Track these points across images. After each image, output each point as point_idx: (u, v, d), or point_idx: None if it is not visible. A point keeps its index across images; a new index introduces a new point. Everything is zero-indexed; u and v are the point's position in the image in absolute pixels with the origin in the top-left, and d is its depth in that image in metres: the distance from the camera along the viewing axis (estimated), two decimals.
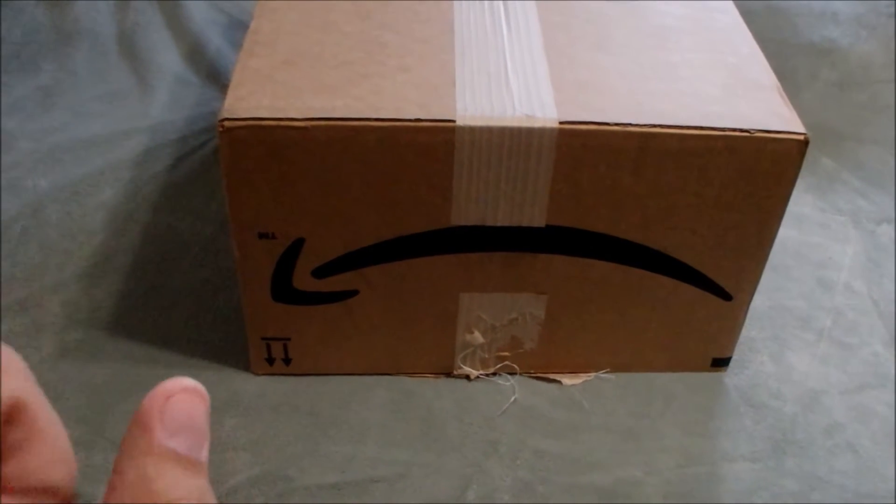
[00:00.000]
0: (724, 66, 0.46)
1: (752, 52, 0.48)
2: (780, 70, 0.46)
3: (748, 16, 0.51)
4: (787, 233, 0.61)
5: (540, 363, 0.51)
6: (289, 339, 0.49)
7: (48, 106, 0.69)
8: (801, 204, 0.65)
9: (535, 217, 0.44)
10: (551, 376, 0.51)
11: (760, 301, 0.56)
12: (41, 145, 0.66)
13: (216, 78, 0.73)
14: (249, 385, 0.50)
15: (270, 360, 0.50)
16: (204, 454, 0.19)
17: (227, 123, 0.40)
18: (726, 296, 0.48)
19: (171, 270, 0.57)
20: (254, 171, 0.42)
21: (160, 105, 0.70)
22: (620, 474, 0.46)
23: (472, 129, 0.41)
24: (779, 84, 0.46)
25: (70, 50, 0.73)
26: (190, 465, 0.19)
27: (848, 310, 0.57)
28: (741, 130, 0.42)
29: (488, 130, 0.41)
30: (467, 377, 0.51)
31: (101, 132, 0.67)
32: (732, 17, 0.51)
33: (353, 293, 0.47)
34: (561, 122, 0.41)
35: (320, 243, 0.44)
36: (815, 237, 0.62)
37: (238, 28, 0.77)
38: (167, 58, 0.74)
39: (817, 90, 0.73)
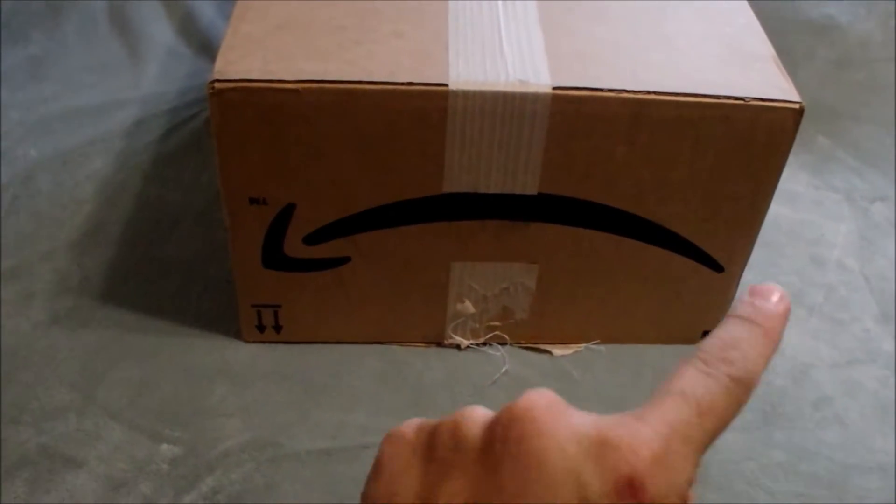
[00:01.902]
0: (720, 37, 0.46)
1: (749, 23, 0.48)
2: (778, 47, 0.46)
3: None
4: (780, 210, 0.61)
5: (530, 333, 0.51)
6: (279, 307, 0.49)
7: (39, 76, 0.69)
8: (796, 182, 0.65)
9: (528, 185, 0.44)
10: (542, 347, 0.51)
11: (753, 277, 0.56)
12: (32, 115, 0.65)
13: (208, 50, 0.72)
14: (240, 353, 0.50)
15: (261, 328, 0.50)
16: None
17: (217, 85, 0.40)
18: (718, 267, 0.48)
19: (162, 240, 0.57)
20: (245, 134, 0.41)
21: (151, 76, 0.70)
22: None
23: (464, 94, 0.40)
24: (775, 55, 0.45)
25: (60, 20, 0.73)
26: None
27: (840, 286, 0.57)
28: (736, 98, 0.42)
29: (481, 95, 0.40)
30: (458, 347, 0.51)
31: (92, 103, 0.67)
32: None
33: (345, 260, 0.46)
34: (554, 88, 0.41)
35: (311, 209, 0.44)
36: (808, 214, 0.62)
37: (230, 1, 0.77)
38: (159, 29, 0.73)
39: (815, 68, 0.73)
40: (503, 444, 0.21)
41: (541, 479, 0.20)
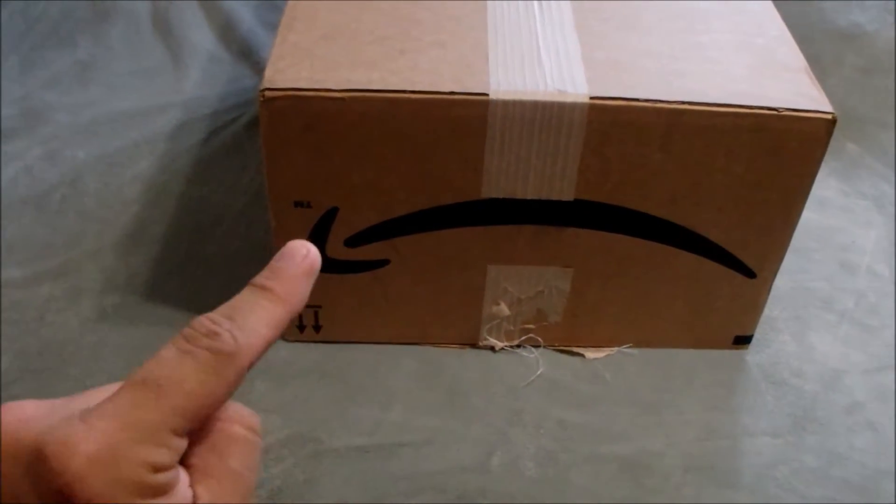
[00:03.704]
0: (753, 48, 0.47)
1: (781, 34, 0.49)
2: (806, 55, 0.47)
3: (774, 1, 0.52)
4: (810, 216, 0.62)
5: (564, 336, 0.52)
6: (320, 307, 0.50)
7: (85, 80, 0.71)
8: (826, 188, 0.65)
9: (564, 191, 0.45)
10: (575, 350, 0.52)
11: (783, 282, 0.56)
12: (79, 118, 0.67)
13: (248, 56, 0.74)
14: (281, 351, 0.51)
15: (301, 328, 0.51)
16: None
17: (267, 94, 0.41)
18: (750, 273, 0.49)
19: (204, 240, 0.58)
20: (292, 140, 0.43)
21: (193, 81, 0.72)
22: (642, 445, 0.47)
23: (504, 103, 0.42)
24: (807, 65, 0.46)
25: (106, 27, 0.75)
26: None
27: (870, 292, 0.57)
28: (769, 109, 0.42)
29: (520, 104, 0.42)
30: (492, 348, 0.52)
31: (136, 106, 0.69)
32: (762, 1, 0.52)
33: (384, 263, 0.48)
34: (591, 98, 0.42)
35: (354, 213, 0.46)
36: (838, 220, 0.63)
37: (269, 8, 0.78)
38: (200, 36, 0.75)
39: (843, 75, 0.73)
40: None
41: None
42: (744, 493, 0.45)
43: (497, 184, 0.44)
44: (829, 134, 0.43)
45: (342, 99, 0.41)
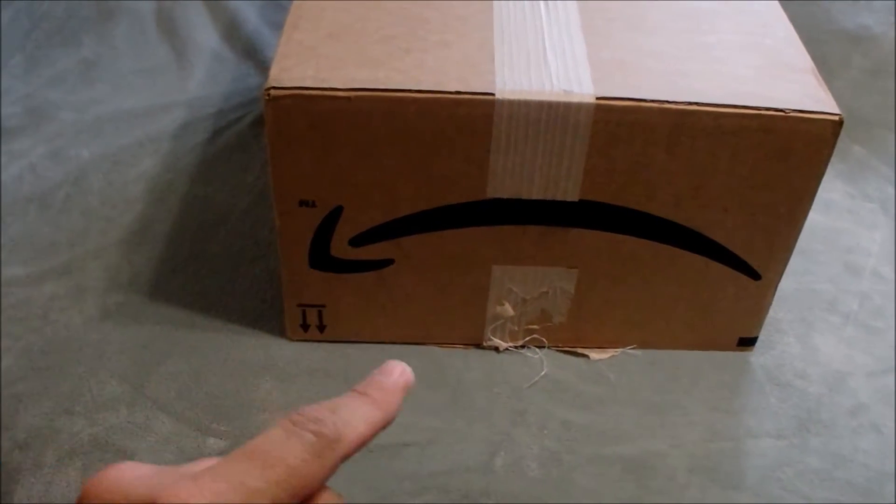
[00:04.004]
0: (759, 48, 0.47)
1: (787, 35, 0.48)
2: (813, 56, 0.47)
3: (781, 2, 0.52)
4: (816, 218, 0.62)
5: (568, 337, 0.52)
6: (324, 307, 0.50)
7: (90, 79, 0.71)
8: (831, 190, 0.65)
9: (570, 191, 0.45)
10: (579, 350, 0.52)
11: (788, 284, 0.56)
12: (83, 116, 0.67)
13: (253, 55, 0.74)
14: (285, 350, 0.51)
15: (305, 327, 0.51)
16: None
17: (272, 92, 0.41)
18: (755, 275, 0.49)
19: (209, 239, 0.58)
20: (297, 139, 0.43)
21: (198, 80, 0.72)
22: (646, 446, 0.47)
23: (510, 103, 0.42)
24: (814, 66, 0.46)
25: (111, 26, 0.75)
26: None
27: (875, 294, 0.57)
28: (776, 110, 0.42)
29: (526, 104, 0.42)
30: (496, 349, 0.52)
31: (141, 105, 0.69)
32: (769, 1, 0.52)
33: (388, 262, 0.48)
34: (597, 98, 0.42)
35: (358, 212, 0.46)
36: (843, 223, 0.63)
37: (274, 7, 0.78)
38: (204, 35, 0.75)
39: (850, 77, 0.73)
40: None
41: None
42: (748, 495, 0.45)
43: (502, 184, 0.44)
44: (836, 135, 0.43)
45: (347, 98, 0.41)
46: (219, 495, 0.21)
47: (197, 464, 0.24)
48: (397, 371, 0.28)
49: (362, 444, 0.25)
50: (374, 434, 0.26)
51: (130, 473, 0.23)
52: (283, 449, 0.23)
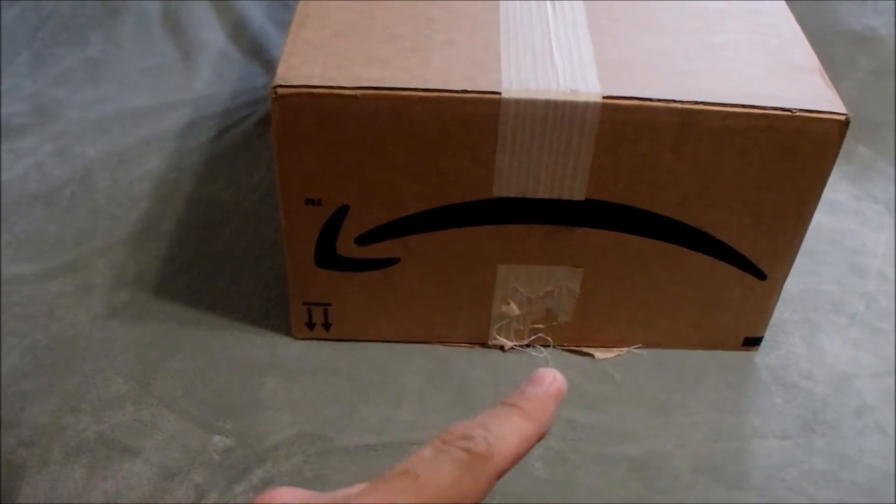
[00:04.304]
0: (767, 49, 0.47)
1: (795, 36, 0.48)
2: (820, 57, 0.47)
3: (789, 3, 0.51)
4: (821, 219, 0.62)
5: (573, 336, 0.52)
6: (329, 305, 0.50)
7: (96, 78, 0.71)
8: (837, 191, 0.65)
9: (576, 190, 0.45)
10: (584, 349, 0.52)
11: (794, 284, 0.56)
12: (89, 115, 0.68)
13: (259, 54, 0.74)
14: (290, 349, 0.51)
15: (311, 325, 0.51)
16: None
17: (279, 90, 0.41)
18: (761, 275, 0.49)
19: (214, 237, 0.58)
20: (303, 137, 0.43)
21: (204, 79, 0.72)
22: (651, 446, 0.47)
23: (516, 102, 0.42)
24: (821, 67, 0.46)
25: (117, 24, 0.75)
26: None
27: (880, 295, 0.57)
28: (783, 110, 0.42)
29: (532, 103, 0.42)
30: (501, 348, 0.52)
31: (147, 104, 0.69)
32: (776, 1, 0.51)
33: (394, 261, 0.48)
34: (604, 97, 0.42)
35: (364, 211, 0.46)
36: (849, 224, 0.63)
37: (280, 6, 0.78)
38: (211, 34, 0.76)
39: (856, 78, 0.73)
40: None
41: None
42: (752, 495, 0.45)
43: (508, 183, 0.44)
44: (842, 135, 0.43)
45: (354, 96, 0.41)
46: None
47: (349, 489, 0.24)
48: (548, 379, 0.26)
49: (516, 459, 0.24)
50: (528, 448, 0.25)
51: (288, 496, 0.24)
52: (434, 468, 0.22)
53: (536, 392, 0.26)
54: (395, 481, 0.22)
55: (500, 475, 0.24)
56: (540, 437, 0.25)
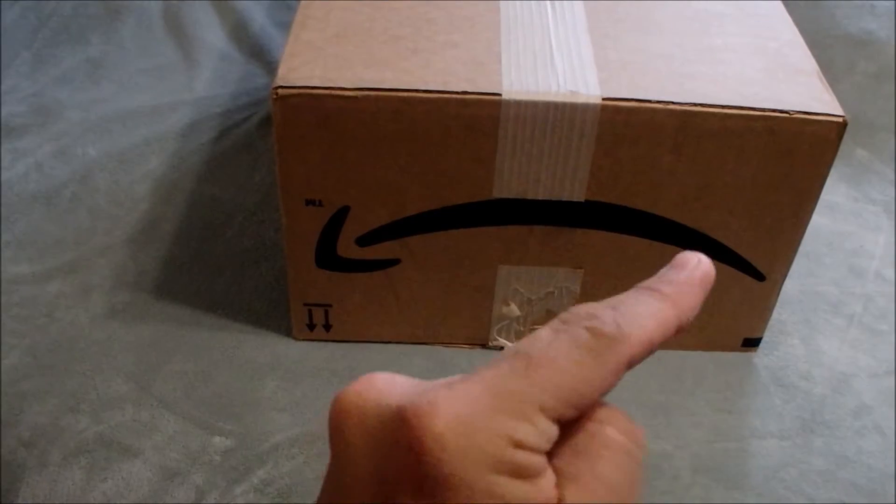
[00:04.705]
0: (765, 51, 0.47)
1: (793, 39, 0.49)
2: (818, 61, 0.47)
3: (787, 6, 0.52)
4: (820, 220, 0.62)
5: None
6: (330, 306, 0.50)
7: (96, 78, 0.71)
8: (835, 193, 0.65)
9: (576, 192, 0.45)
10: None
11: (792, 286, 0.56)
12: (90, 115, 0.68)
13: (260, 55, 0.74)
14: (291, 350, 0.51)
15: (311, 326, 0.51)
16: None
17: (280, 91, 0.41)
18: (759, 276, 0.49)
19: (215, 238, 0.58)
20: (304, 138, 0.43)
21: (205, 80, 0.72)
22: (651, 447, 0.47)
23: (517, 104, 0.42)
24: (818, 69, 0.46)
25: (117, 24, 0.75)
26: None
27: (878, 297, 0.57)
28: (781, 112, 0.43)
29: (533, 105, 0.42)
30: (502, 349, 0.52)
31: (148, 104, 0.69)
32: (774, 5, 0.52)
33: (395, 262, 0.48)
34: (604, 99, 0.42)
35: (365, 212, 0.46)
36: (847, 225, 0.63)
37: (281, 7, 0.79)
38: (211, 34, 0.76)
39: (854, 81, 0.73)
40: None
41: (339, 460, 0.20)
42: (752, 495, 0.45)
43: (509, 184, 0.44)
44: (840, 137, 0.43)
45: (355, 97, 0.41)
46: (473, 401, 0.18)
47: (452, 378, 0.20)
48: (692, 262, 0.22)
49: (651, 347, 0.20)
50: (665, 335, 0.21)
51: (382, 382, 0.20)
52: (551, 348, 0.19)
53: (679, 276, 0.22)
54: (506, 362, 0.19)
55: (631, 364, 0.20)
56: (681, 329, 0.21)
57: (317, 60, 0.43)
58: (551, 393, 0.19)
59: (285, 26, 0.76)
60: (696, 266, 0.22)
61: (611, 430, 0.21)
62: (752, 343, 0.53)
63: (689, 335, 0.52)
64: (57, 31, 0.74)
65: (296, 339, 0.52)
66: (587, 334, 0.20)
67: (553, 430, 0.19)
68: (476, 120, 0.42)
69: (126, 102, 0.69)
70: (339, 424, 0.21)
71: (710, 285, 0.22)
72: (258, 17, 0.77)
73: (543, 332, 0.20)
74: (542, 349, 0.19)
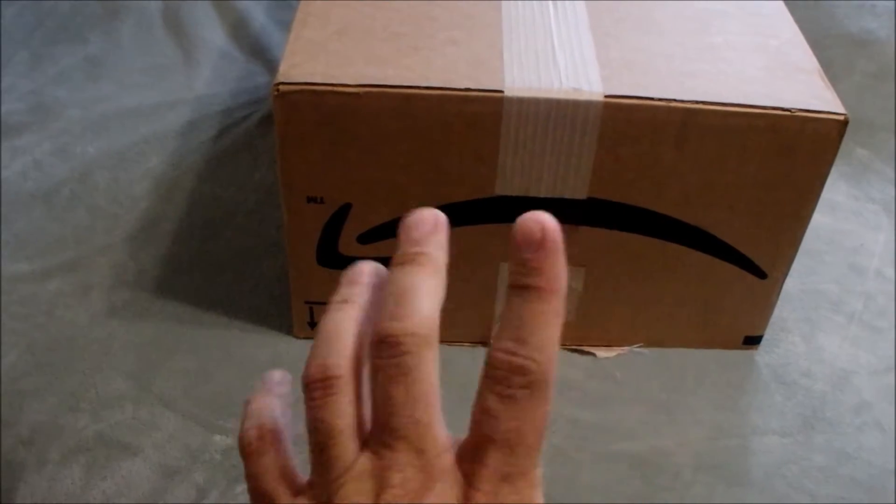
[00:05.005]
0: (766, 49, 0.47)
1: (794, 37, 0.49)
2: (818, 60, 0.47)
3: (787, 5, 0.52)
4: (820, 219, 0.62)
5: (575, 335, 0.52)
6: None
7: (95, 76, 0.71)
8: (835, 192, 0.65)
9: (578, 189, 0.45)
10: (586, 349, 0.52)
11: (793, 284, 0.57)
12: (89, 113, 0.68)
13: (260, 54, 0.74)
14: (292, 348, 0.51)
15: (313, 324, 0.51)
16: None
17: (282, 88, 0.41)
18: (761, 274, 0.49)
19: (215, 237, 0.58)
20: (306, 135, 0.43)
21: (204, 78, 0.72)
22: (653, 444, 0.47)
23: (519, 101, 0.42)
24: (820, 68, 0.46)
25: (116, 23, 0.75)
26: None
27: (879, 295, 0.57)
28: (782, 109, 0.43)
29: (535, 102, 0.42)
30: None
31: (147, 103, 0.69)
32: (775, 4, 0.52)
33: None
34: (606, 96, 0.42)
35: (367, 209, 0.46)
36: (848, 224, 0.63)
37: (281, 6, 0.78)
38: (211, 33, 0.76)
39: (854, 81, 0.73)
40: None
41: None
42: (753, 492, 0.45)
43: (511, 181, 0.44)
44: (841, 135, 0.43)
45: (357, 94, 0.41)
46: None
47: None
48: (536, 235, 0.23)
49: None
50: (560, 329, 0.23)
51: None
52: (507, 421, 0.23)
53: (541, 259, 0.22)
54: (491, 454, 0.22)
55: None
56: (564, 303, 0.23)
57: (318, 57, 0.43)
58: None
59: (285, 24, 0.76)
60: (543, 237, 0.23)
61: None
62: (753, 341, 0.53)
63: (690, 332, 0.52)
64: (55, 29, 0.74)
65: (297, 337, 0.52)
66: (527, 392, 0.22)
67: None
68: (478, 117, 0.42)
69: (125, 101, 0.69)
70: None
71: (560, 240, 0.23)
72: (258, 15, 0.77)
73: (490, 405, 0.23)
74: (500, 429, 0.23)
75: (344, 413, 0.24)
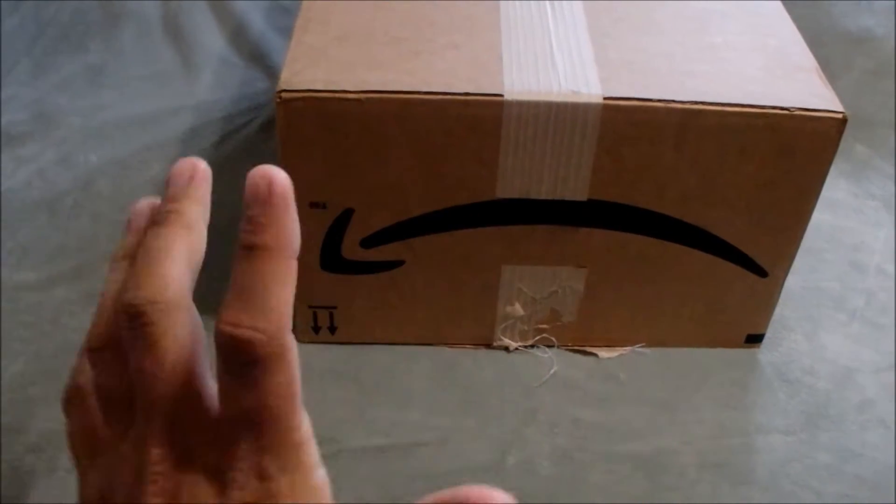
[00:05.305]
0: (765, 49, 0.47)
1: (792, 36, 0.49)
2: (817, 57, 0.47)
3: (785, 5, 0.52)
4: (821, 217, 0.62)
5: (578, 336, 0.52)
6: (335, 308, 0.50)
7: (97, 84, 0.71)
8: (835, 189, 0.66)
9: (578, 191, 0.45)
10: (588, 349, 0.52)
11: (795, 282, 0.57)
12: (91, 122, 0.68)
13: (260, 59, 0.74)
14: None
15: (316, 329, 0.51)
16: None
17: (284, 95, 0.41)
18: (762, 272, 0.49)
19: (218, 243, 0.58)
20: (308, 141, 0.43)
21: (205, 85, 0.72)
22: (656, 443, 0.47)
23: (519, 104, 0.42)
24: (818, 66, 0.46)
25: (117, 31, 0.75)
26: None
27: (880, 291, 0.57)
28: (781, 109, 0.43)
29: (535, 105, 0.42)
30: (506, 348, 0.52)
31: (148, 110, 0.69)
32: (773, 3, 0.52)
33: (399, 263, 0.48)
34: (605, 98, 0.42)
35: (369, 214, 0.46)
36: (848, 221, 0.63)
37: (281, 12, 0.79)
38: (211, 40, 0.76)
39: (852, 78, 0.73)
40: None
41: None
42: (758, 490, 0.45)
43: (511, 184, 0.45)
44: (840, 133, 0.43)
45: (358, 100, 0.42)
46: None
47: None
48: (263, 190, 0.22)
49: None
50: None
51: None
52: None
53: (268, 215, 0.21)
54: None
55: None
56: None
57: (319, 63, 0.43)
58: None
59: (284, 30, 0.76)
60: (269, 191, 0.22)
61: None
62: (755, 339, 0.53)
63: (692, 332, 0.52)
64: (56, 38, 0.74)
65: (300, 341, 0.51)
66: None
67: None
68: (478, 121, 0.42)
69: (127, 108, 0.69)
70: None
71: (291, 195, 0.22)
72: (257, 21, 0.77)
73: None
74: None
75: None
